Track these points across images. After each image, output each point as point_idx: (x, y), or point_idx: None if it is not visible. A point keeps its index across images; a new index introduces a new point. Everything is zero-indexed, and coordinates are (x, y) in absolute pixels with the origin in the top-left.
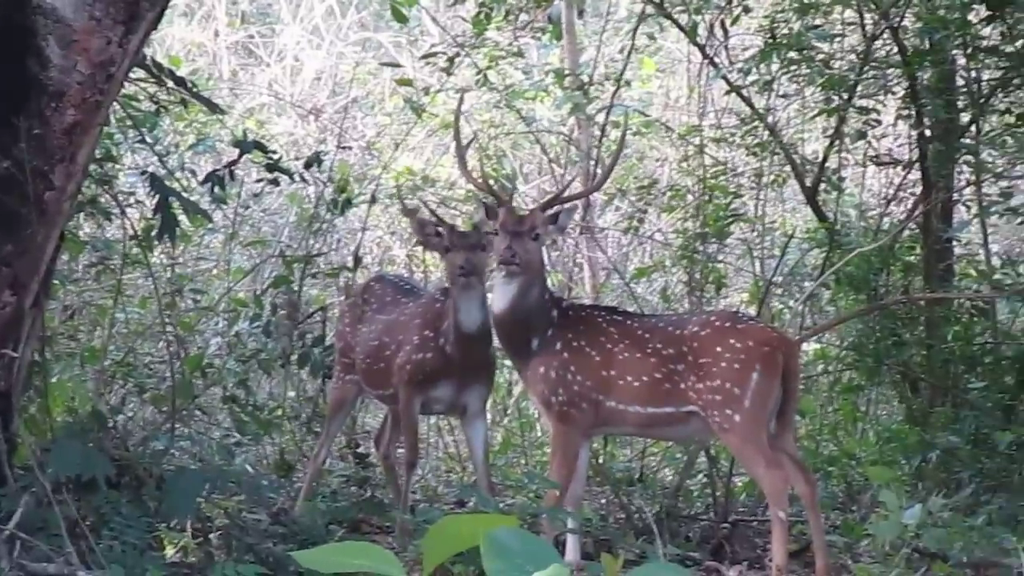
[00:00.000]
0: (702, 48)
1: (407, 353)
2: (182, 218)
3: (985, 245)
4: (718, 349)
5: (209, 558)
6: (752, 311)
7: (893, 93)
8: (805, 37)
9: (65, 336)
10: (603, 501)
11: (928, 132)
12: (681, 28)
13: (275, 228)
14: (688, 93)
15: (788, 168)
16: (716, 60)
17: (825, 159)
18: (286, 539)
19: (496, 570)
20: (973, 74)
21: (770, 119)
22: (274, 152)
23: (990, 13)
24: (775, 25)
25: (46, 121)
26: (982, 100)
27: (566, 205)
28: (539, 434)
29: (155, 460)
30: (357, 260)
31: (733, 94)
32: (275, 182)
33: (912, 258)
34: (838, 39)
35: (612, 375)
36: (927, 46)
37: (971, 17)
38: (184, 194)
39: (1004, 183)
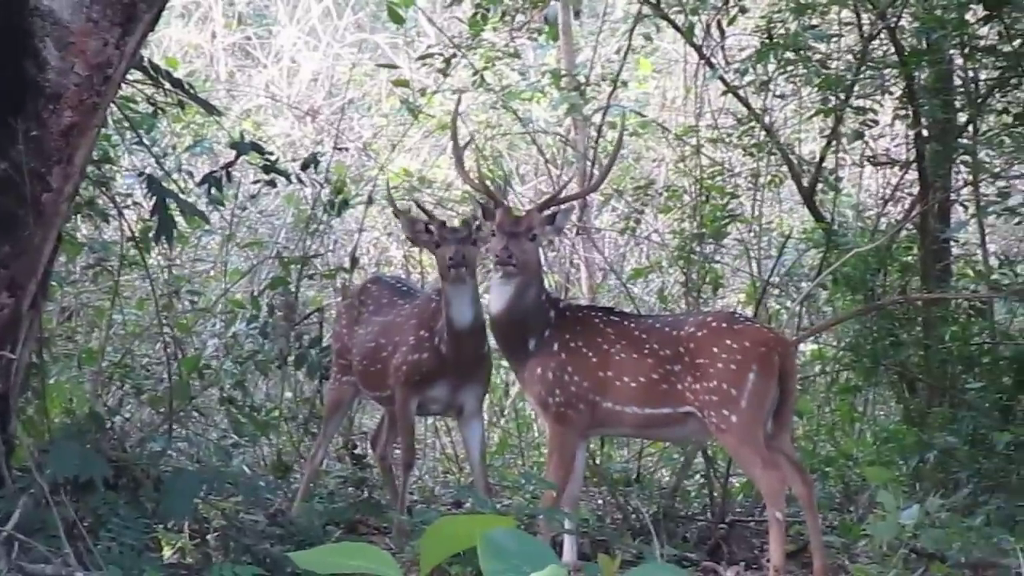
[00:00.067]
0: (699, 48)
1: (403, 354)
2: (179, 219)
3: (983, 245)
4: (715, 350)
5: (206, 559)
6: (749, 312)
7: (890, 93)
8: (802, 37)
9: (63, 337)
10: (600, 502)
11: (925, 132)
12: (677, 28)
13: (272, 229)
14: (685, 94)
15: (785, 168)
16: (713, 60)
17: (822, 159)
18: (283, 540)
19: (493, 571)
20: (970, 74)
21: (767, 119)
22: (271, 153)
23: (987, 13)
24: (772, 25)
25: (43, 123)
26: (979, 100)
27: (563, 206)
28: (536, 435)
29: (152, 461)
30: (354, 261)
31: (730, 94)
32: (272, 183)
33: (909, 258)
34: (835, 39)
35: (609, 376)
36: (924, 46)
37: (968, 17)
38: (181, 195)
39: (1002, 183)
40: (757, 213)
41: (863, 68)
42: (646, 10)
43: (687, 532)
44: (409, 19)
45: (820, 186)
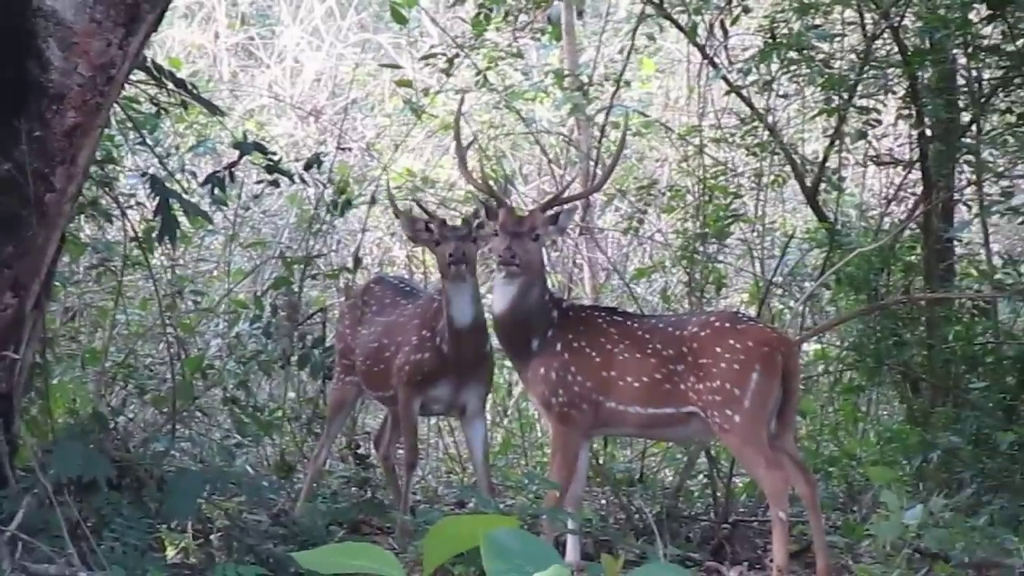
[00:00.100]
0: (702, 48)
1: (405, 354)
2: (182, 220)
3: (986, 245)
4: (718, 349)
5: (210, 559)
6: (752, 311)
7: (893, 93)
8: (805, 37)
9: (66, 338)
10: (603, 502)
11: (929, 132)
12: (681, 28)
13: (275, 229)
14: (688, 93)
15: (788, 168)
16: (716, 60)
17: (825, 159)
18: (286, 540)
19: (496, 571)
20: (974, 73)
21: (770, 119)
22: (274, 154)
23: (991, 12)
24: (775, 25)
25: (47, 123)
26: (983, 99)
27: (566, 206)
28: (539, 435)
29: (156, 461)
30: (357, 261)
31: (733, 94)
32: (275, 183)
33: (913, 258)
34: (838, 39)
35: (612, 376)
36: (927, 45)
37: (972, 16)
38: (184, 196)
39: (1005, 182)
40: (760, 213)
41: (866, 68)
42: (649, 10)
43: (690, 532)
44: (412, 19)
45: (823, 186)
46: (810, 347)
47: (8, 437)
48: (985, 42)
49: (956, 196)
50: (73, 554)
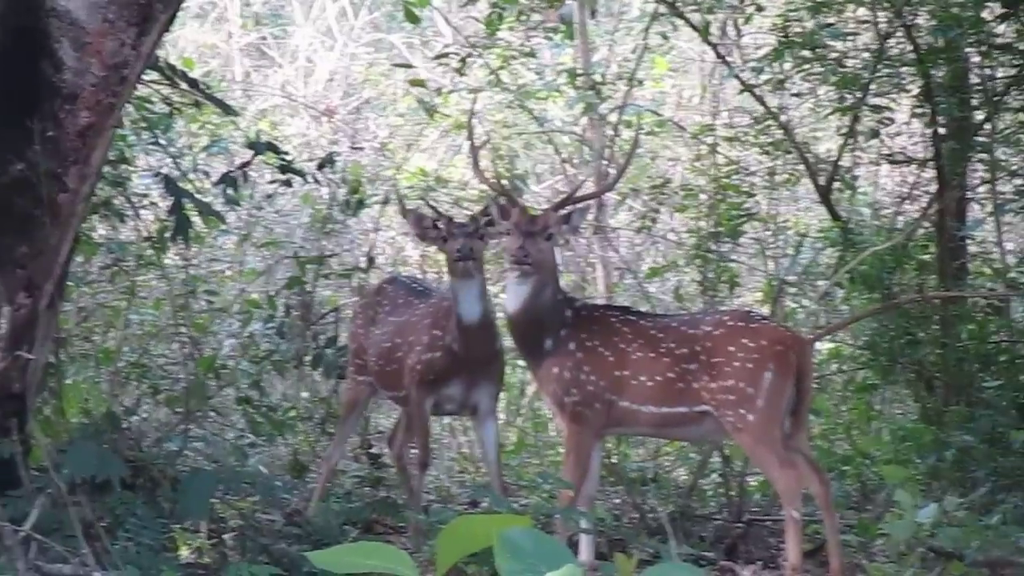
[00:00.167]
0: (715, 47)
1: (417, 354)
2: (196, 219)
3: (999, 243)
4: (731, 348)
5: (223, 559)
6: (765, 310)
7: (907, 91)
8: (818, 36)
9: (79, 338)
10: (617, 501)
11: (942, 130)
12: (694, 27)
13: (288, 229)
14: (701, 92)
15: (801, 167)
16: (729, 59)
17: (839, 158)
18: (300, 540)
19: (509, 570)
20: (987, 72)
21: (783, 118)
22: (287, 153)
23: (1004, 11)
24: (788, 24)
25: (60, 123)
26: (996, 98)
27: (579, 205)
28: (552, 434)
29: (169, 461)
30: (370, 261)
31: (746, 93)
32: (288, 183)
33: (926, 256)
34: (851, 37)
35: (625, 375)
36: (941, 44)
37: (985, 15)
38: (197, 196)
39: (1018, 181)
40: (773, 212)
41: (879, 66)
42: (662, 9)
43: (704, 531)
44: (425, 19)
45: (836, 184)
46: (823, 346)
47: (22, 437)
48: (999, 40)
49: (969, 194)
50: (87, 554)
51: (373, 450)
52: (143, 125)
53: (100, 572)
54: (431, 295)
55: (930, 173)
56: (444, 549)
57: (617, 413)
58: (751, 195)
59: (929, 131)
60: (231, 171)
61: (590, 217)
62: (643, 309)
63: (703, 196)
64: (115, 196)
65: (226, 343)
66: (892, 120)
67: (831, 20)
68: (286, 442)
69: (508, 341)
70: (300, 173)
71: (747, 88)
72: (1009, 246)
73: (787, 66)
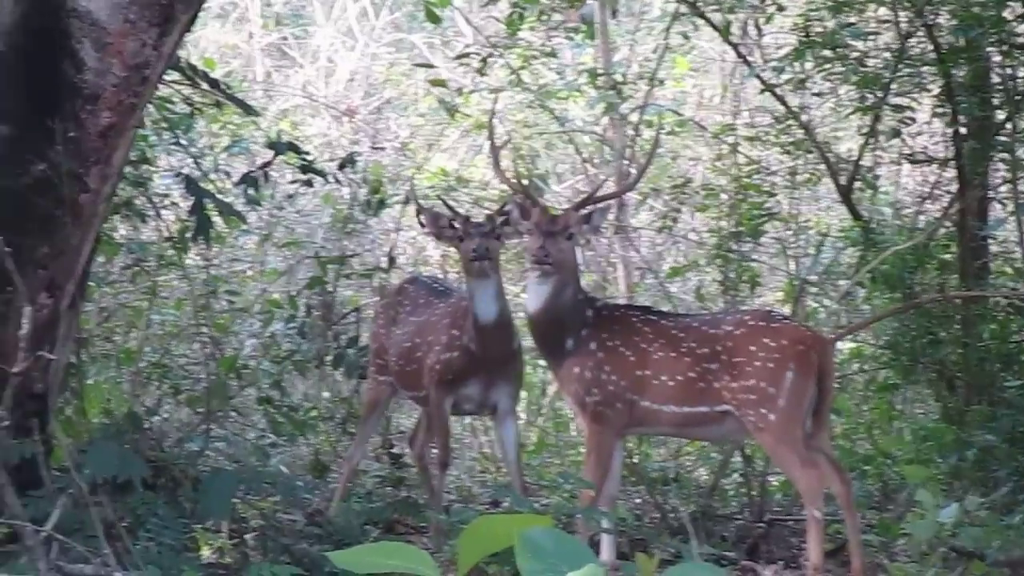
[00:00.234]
0: (736, 47)
1: (436, 354)
2: (217, 220)
3: (1021, 243)
4: (752, 348)
5: (245, 559)
6: (787, 310)
7: (928, 91)
8: (839, 35)
9: (101, 338)
10: (638, 501)
11: (963, 130)
12: (715, 27)
13: (309, 229)
14: (722, 92)
15: (822, 166)
16: (750, 59)
17: (860, 157)
18: (321, 540)
19: (531, 570)
20: (1009, 71)
21: (804, 117)
22: (308, 153)
23: None
24: (809, 23)
25: (81, 124)
26: (1017, 97)
27: (600, 205)
28: (573, 434)
29: (191, 461)
30: (391, 261)
31: (767, 93)
32: (309, 183)
33: (948, 256)
34: (872, 37)
35: (647, 375)
36: (962, 43)
37: (1006, 14)
38: (219, 196)
39: None
40: (794, 211)
41: (901, 66)
42: (683, 8)
43: (725, 531)
44: (446, 19)
45: (858, 184)
46: (845, 345)
47: (43, 437)
48: (1020, 40)
49: (991, 194)
50: (108, 554)
51: (394, 450)
52: (164, 125)
53: (121, 572)
54: (451, 295)
55: (951, 173)
56: (465, 549)
57: (638, 413)
58: (772, 195)
59: (950, 131)
60: (252, 171)
61: (611, 217)
62: (664, 309)
63: (724, 196)
64: (136, 196)
65: (247, 343)
66: (913, 120)
67: (852, 19)
68: (307, 442)
69: (528, 341)
70: (321, 173)
71: (768, 88)
72: None
73: (808, 66)
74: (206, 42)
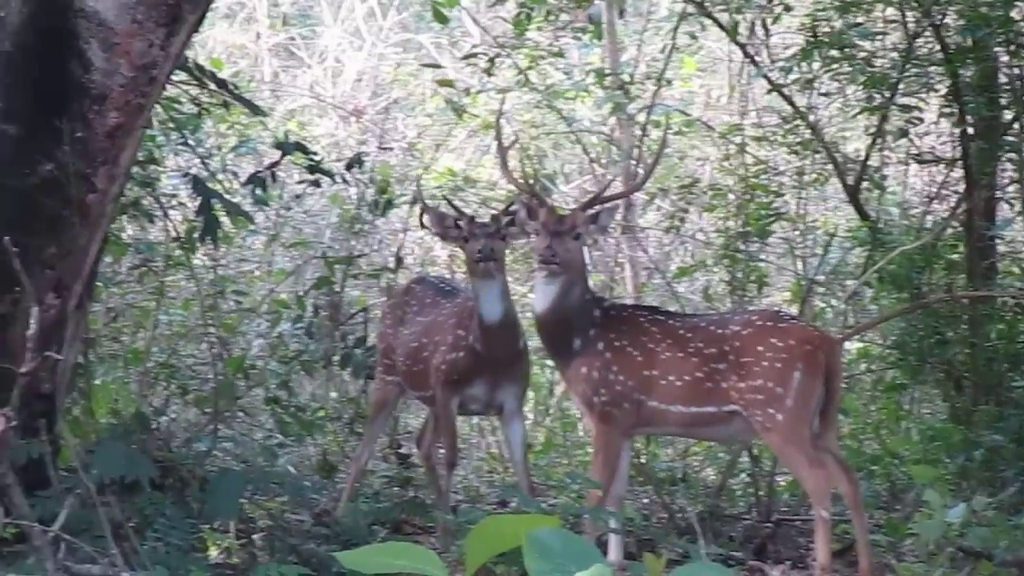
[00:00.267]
0: (743, 47)
1: (442, 354)
2: (224, 220)
3: None
4: (760, 348)
5: (252, 559)
6: (794, 310)
7: (935, 91)
8: (846, 35)
9: (108, 338)
10: (645, 501)
11: (971, 130)
12: (722, 27)
13: (317, 229)
14: (729, 92)
15: (830, 166)
16: (757, 59)
17: (867, 157)
18: (329, 540)
19: (538, 570)
20: (1016, 71)
21: (812, 117)
22: (315, 154)
23: None
24: (816, 23)
25: (89, 124)
26: None
27: (607, 205)
28: (581, 434)
29: (198, 461)
30: (399, 261)
31: (774, 93)
32: (317, 183)
33: (955, 256)
34: (880, 37)
35: (654, 375)
36: (970, 43)
37: (1014, 14)
38: (226, 196)
39: None
40: (802, 211)
41: (908, 66)
42: (690, 8)
43: (733, 531)
44: (453, 19)
45: (865, 184)
46: (852, 345)
47: (51, 437)
48: None
49: (998, 194)
50: (116, 554)
51: (402, 450)
52: (172, 126)
53: (129, 572)
54: (457, 295)
55: (958, 173)
56: (473, 549)
57: (646, 413)
58: (779, 195)
59: (957, 131)
60: (260, 171)
61: (618, 217)
62: (672, 309)
63: (731, 196)
64: (144, 196)
65: (255, 343)
66: (921, 120)
67: (859, 19)
68: (315, 442)
69: (535, 341)
70: (328, 173)
71: (775, 88)
72: None
73: (815, 66)
74: (213, 42)
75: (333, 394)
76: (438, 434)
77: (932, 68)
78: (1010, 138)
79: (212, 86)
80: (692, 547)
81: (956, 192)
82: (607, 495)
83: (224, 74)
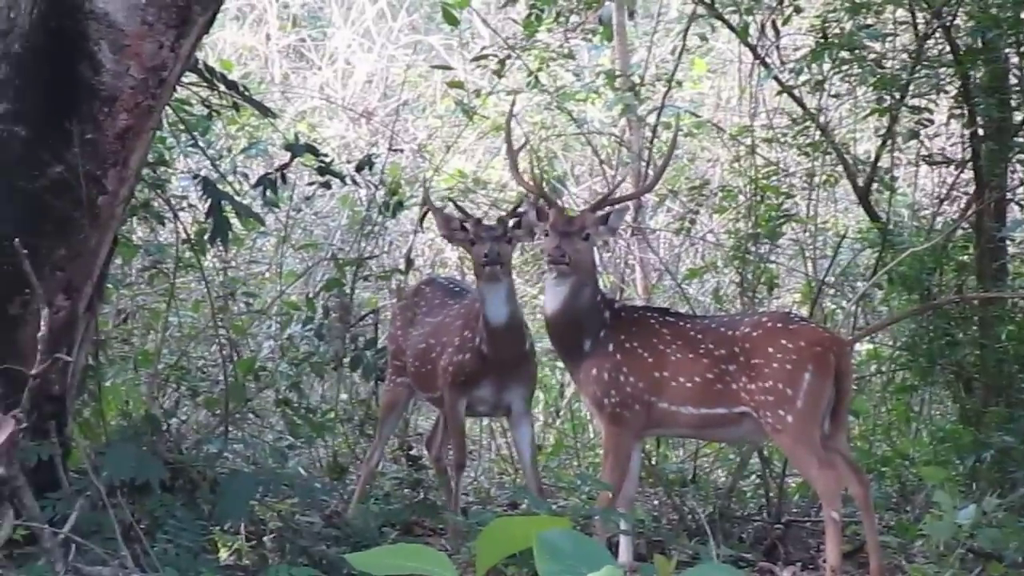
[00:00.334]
0: (753, 48)
1: (449, 355)
2: (234, 221)
3: None
4: (770, 350)
5: (263, 561)
6: (804, 311)
7: (945, 92)
8: (857, 37)
9: (119, 340)
10: (656, 502)
11: (981, 131)
12: (732, 28)
13: (327, 231)
14: (739, 93)
15: (840, 168)
16: (767, 60)
17: (877, 159)
18: (339, 541)
19: (549, 572)
20: None
21: (822, 119)
22: (326, 155)
23: None
24: (826, 25)
25: (99, 126)
26: None
27: (617, 206)
28: (591, 436)
29: (209, 463)
30: (409, 262)
31: (784, 94)
32: (327, 185)
33: (965, 257)
34: (890, 38)
35: (664, 376)
36: (979, 45)
37: None
38: (236, 198)
39: None
40: (812, 213)
41: (918, 67)
42: (701, 10)
43: (743, 532)
44: (463, 20)
45: (875, 185)
46: (863, 347)
47: (61, 439)
48: None
49: (1008, 195)
50: (126, 556)
51: (412, 452)
52: (182, 127)
53: (139, 574)
54: (465, 296)
55: (969, 174)
56: (483, 551)
57: (656, 414)
58: (790, 196)
59: (968, 132)
60: (270, 173)
61: (629, 218)
62: (682, 310)
63: (742, 197)
64: (154, 198)
65: (265, 345)
66: (931, 121)
67: (870, 21)
68: (325, 444)
69: (545, 342)
70: (339, 175)
71: (786, 89)
72: None
73: (826, 67)
74: (224, 44)
75: (343, 396)
76: (448, 435)
77: (942, 69)
78: (1020, 139)
79: (222, 88)
80: (702, 548)
81: (966, 193)
82: (617, 496)
83: (234, 76)
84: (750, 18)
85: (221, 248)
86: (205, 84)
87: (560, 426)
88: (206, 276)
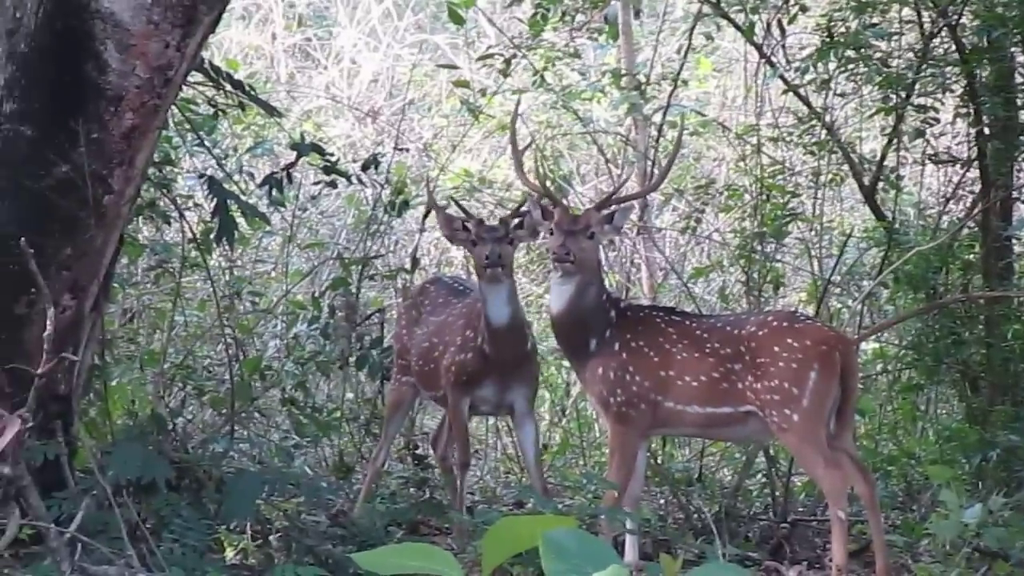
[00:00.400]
0: (759, 47)
1: (452, 354)
2: (240, 221)
3: None
4: (776, 349)
5: (269, 560)
6: (810, 311)
7: (951, 91)
8: (862, 36)
9: (125, 339)
10: (662, 501)
11: (987, 130)
12: (738, 27)
13: (333, 230)
14: (745, 92)
15: (846, 167)
16: (773, 59)
17: (883, 158)
18: (345, 541)
19: (555, 571)
20: None
21: (828, 118)
22: (331, 154)
23: None
24: (832, 24)
25: (104, 125)
26: None
27: (622, 205)
28: (597, 435)
29: (215, 462)
30: (414, 262)
31: (790, 93)
32: (333, 184)
33: (971, 256)
34: (896, 37)
35: (670, 375)
36: (985, 44)
37: None
38: (242, 197)
39: None
40: (818, 212)
41: (924, 66)
42: (706, 9)
43: (749, 531)
44: (469, 19)
45: (881, 184)
46: (868, 346)
47: (67, 439)
48: None
49: (1015, 194)
50: (132, 555)
51: (418, 451)
52: (188, 127)
53: (145, 573)
54: (468, 295)
55: (974, 173)
56: (489, 550)
57: (662, 413)
58: (796, 195)
59: (973, 131)
60: (275, 172)
61: (634, 217)
62: (688, 309)
63: (747, 196)
64: (160, 198)
65: (271, 344)
66: (937, 120)
67: (875, 20)
68: (331, 443)
69: (550, 341)
70: (344, 174)
71: (791, 88)
72: None
73: (831, 66)
74: (229, 43)
75: (349, 395)
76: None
77: (948, 68)
78: None
79: (228, 87)
80: (708, 547)
81: (972, 192)
82: (623, 496)
83: (240, 75)
84: (756, 17)
85: (227, 247)
86: (211, 83)
87: (566, 425)
88: (212, 275)
